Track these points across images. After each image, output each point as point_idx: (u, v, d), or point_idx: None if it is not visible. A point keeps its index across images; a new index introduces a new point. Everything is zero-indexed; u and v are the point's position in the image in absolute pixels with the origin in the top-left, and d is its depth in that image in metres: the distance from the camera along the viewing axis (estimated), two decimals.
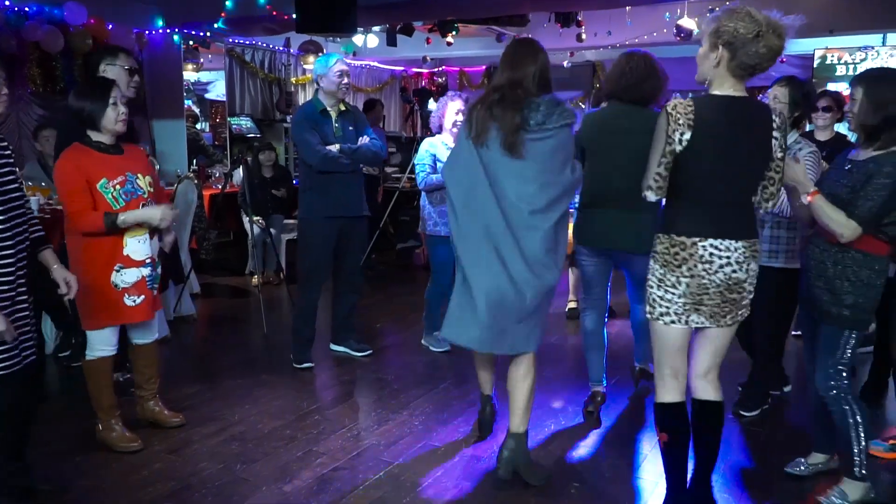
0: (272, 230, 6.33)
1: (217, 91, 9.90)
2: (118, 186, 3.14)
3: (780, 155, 2.50)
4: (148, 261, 3.25)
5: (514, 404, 3.02)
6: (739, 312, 2.58)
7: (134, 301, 3.23)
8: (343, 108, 4.42)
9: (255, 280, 6.32)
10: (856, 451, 2.80)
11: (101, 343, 3.26)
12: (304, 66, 9.24)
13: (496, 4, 6.46)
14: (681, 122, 2.42)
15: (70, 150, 3.15)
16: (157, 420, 3.54)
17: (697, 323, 2.55)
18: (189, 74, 9.00)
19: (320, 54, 8.46)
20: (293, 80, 9.36)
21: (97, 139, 3.17)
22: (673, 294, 2.53)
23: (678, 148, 2.44)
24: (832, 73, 9.08)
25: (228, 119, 8.69)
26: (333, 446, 3.38)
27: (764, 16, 2.38)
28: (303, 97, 9.38)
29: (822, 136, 4.65)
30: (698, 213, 2.50)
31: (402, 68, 11.68)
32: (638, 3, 7.18)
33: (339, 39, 9.23)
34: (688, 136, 2.42)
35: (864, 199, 2.65)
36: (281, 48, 9.07)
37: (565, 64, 10.33)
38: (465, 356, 4.66)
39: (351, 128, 4.39)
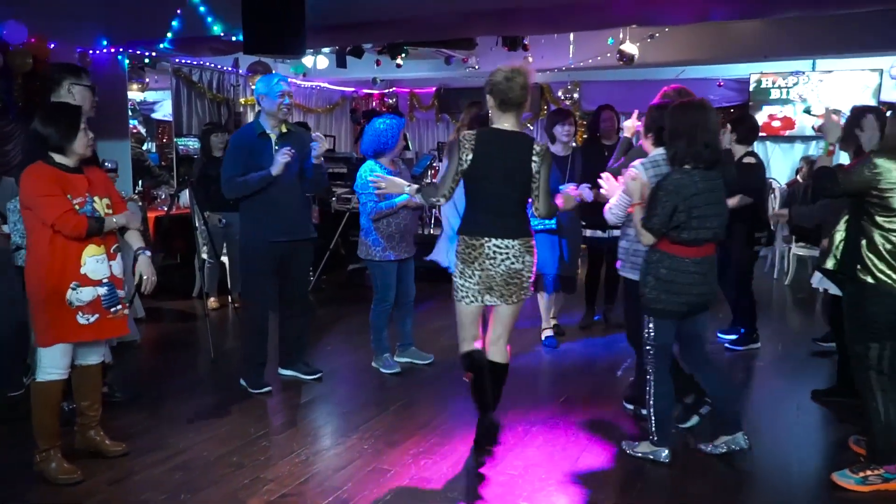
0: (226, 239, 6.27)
1: (164, 111, 9.76)
2: (78, 207, 3.16)
3: (537, 174, 3.28)
4: (106, 280, 3.24)
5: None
6: (521, 293, 3.38)
7: (87, 320, 3.20)
8: (284, 129, 4.36)
9: (211, 303, 6.21)
10: (650, 418, 3.41)
11: (52, 365, 3.20)
12: (253, 87, 9.18)
13: (444, 28, 6.54)
14: (466, 146, 3.23)
15: (36, 165, 3.16)
16: (99, 449, 3.45)
17: (491, 302, 3.36)
18: (134, 94, 8.86)
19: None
20: (242, 100, 9.29)
21: (61, 161, 3.19)
22: (470, 282, 3.33)
23: (465, 166, 3.23)
24: (767, 96, 9.45)
25: (175, 140, 8.57)
26: (282, 472, 3.34)
27: (510, 67, 3.22)
28: (251, 118, 9.31)
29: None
30: (484, 219, 3.28)
31: (352, 89, 11.70)
32: (582, 28, 7.36)
33: (288, 60, 9.21)
34: (470, 157, 3.22)
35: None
36: (230, 69, 9.00)
37: None
38: (416, 379, 4.70)
39: (292, 150, 4.35)
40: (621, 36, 7.76)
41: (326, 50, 8.92)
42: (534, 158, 3.28)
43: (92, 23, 6.81)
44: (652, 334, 3.39)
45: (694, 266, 3.26)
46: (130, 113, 8.02)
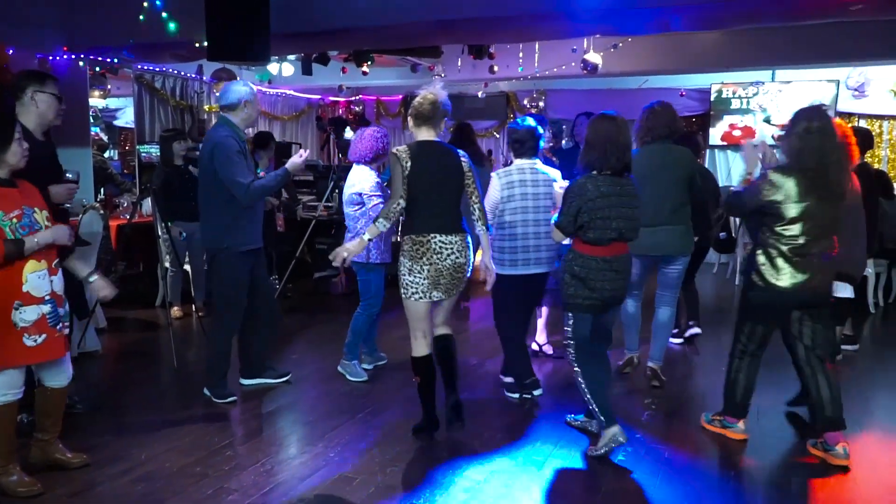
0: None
1: (126, 118, 9.63)
2: (15, 220, 3.05)
3: (469, 173, 3.68)
4: (48, 297, 3.13)
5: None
6: (461, 286, 3.71)
7: (34, 341, 3.09)
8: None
9: (174, 312, 6.15)
10: (590, 407, 3.59)
11: (6, 387, 3.11)
12: (218, 93, 9.10)
13: (410, 36, 6.56)
14: (404, 156, 3.56)
15: None
16: (59, 462, 3.38)
17: (437, 297, 3.65)
18: (96, 101, 8.73)
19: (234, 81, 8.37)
20: (206, 107, 9.21)
21: None
22: (419, 278, 3.59)
23: (407, 171, 3.53)
24: (728, 105, 9.65)
25: (137, 147, 8.46)
26: (246, 482, 3.31)
27: (424, 93, 3.66)
28: None
29: None
30: (427, 217, 3.58)
31: (318, 97, 11.67)
32: (546, 37, 7.44)
33: (252, 67, 9.15)
34: (410, 164, 3.55)
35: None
36: (193, 75, 8.92)
37: (480, 94, 10.56)
38: (382, 386, 4.69)
39: (307, 151, 4.61)
40: (585, 45, 7.87)
41: (292, 57, 8.89)
42: (463, 161, 3.68)
43: (52, 29, 6.70)
44: (570, 328, 3.63)
45: (604, 264, 3.53)
46: (92, 120, 7.89)
